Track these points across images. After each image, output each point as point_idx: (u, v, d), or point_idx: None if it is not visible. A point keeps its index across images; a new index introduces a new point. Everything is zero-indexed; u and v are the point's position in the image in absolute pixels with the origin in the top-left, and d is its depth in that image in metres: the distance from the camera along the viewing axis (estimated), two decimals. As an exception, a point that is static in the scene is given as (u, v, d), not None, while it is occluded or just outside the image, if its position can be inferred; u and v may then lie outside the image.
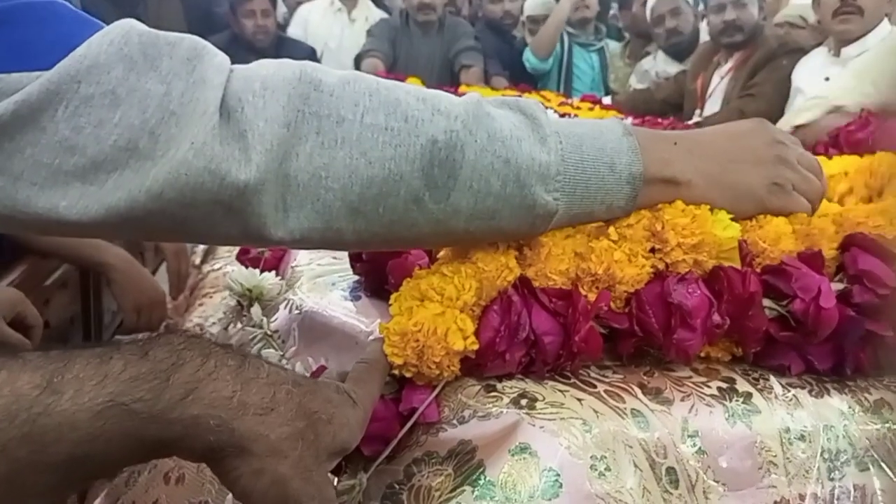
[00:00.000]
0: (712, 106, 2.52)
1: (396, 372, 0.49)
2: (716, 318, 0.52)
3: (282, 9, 3.81)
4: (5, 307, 1.04)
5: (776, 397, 0.53)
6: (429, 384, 0.49)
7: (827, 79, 2.03)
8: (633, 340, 0.53)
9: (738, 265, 0.55)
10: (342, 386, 0.45)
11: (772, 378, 0.55)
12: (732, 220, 0.57)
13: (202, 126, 0.41)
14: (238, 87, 0.44)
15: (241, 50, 3.18)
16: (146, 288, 1.36)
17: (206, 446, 0.37)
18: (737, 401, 0.53)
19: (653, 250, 0.55)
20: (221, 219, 0.43)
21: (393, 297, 0.52)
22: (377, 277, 0.64)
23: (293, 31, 3.41)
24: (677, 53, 2.95)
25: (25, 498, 0.33)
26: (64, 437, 0.32)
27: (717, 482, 0.50)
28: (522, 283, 0.52)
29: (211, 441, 0.37)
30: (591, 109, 2.15)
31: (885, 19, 2.03)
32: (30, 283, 1.26)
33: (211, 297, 1.22)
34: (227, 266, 1.21)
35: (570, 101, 2.48)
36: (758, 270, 0.56)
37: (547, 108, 1.91)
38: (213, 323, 0.81)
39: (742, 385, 0.54)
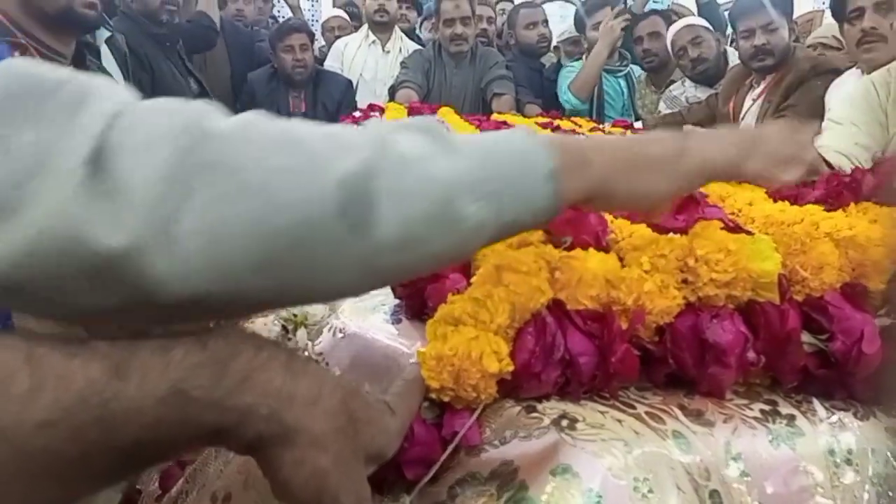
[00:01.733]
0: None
1: (435, 396, 0.50)
2: (751, 355, 0.52)
3: (319, 42, 3.92)
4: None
5: (820, 420, 0.53)
6: (468, 407, 0.50)
7: None
8: (666, 370, 0.54)
9: (775, 297, 0.55)
10: (381, 397, 0.47)
11: (815, 401, 0.54)
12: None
13: (66, 182, 0.35)
14: (118, 138, 0.37)
15: (281, 83, 3.28)
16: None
17: (256, 435, 0.38)
18: (780, 423, 0.52)
19: (685, 281, 0.55)
20: (91, 290, 0.36)
21: (429, 322, 0.53)
22: (417, 301, 0.66)
23: (330, 64, 3.50)
24: (705, 80, 2.95)
25: (92, 479, 0.35)
26: (132, 420, 0.34)
27: (762, 505, 0.50)
28: (556, 305, 0.53)
29: (261, 429, 0.38)
30: (623, 135, 2.15)
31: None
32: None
33: (253, 322, 1.25)
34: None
35: (601, 126, 2.49)
36: (798, 299, 0.56)
37: (579, 132, 1.92)
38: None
39: (785, 407, 0.54)
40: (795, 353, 0.53)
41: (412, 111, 2.55)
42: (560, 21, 3.81)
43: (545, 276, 0.55)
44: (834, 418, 0.54)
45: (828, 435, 0.52)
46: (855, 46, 2.01)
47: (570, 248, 0.68)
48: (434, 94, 3.26)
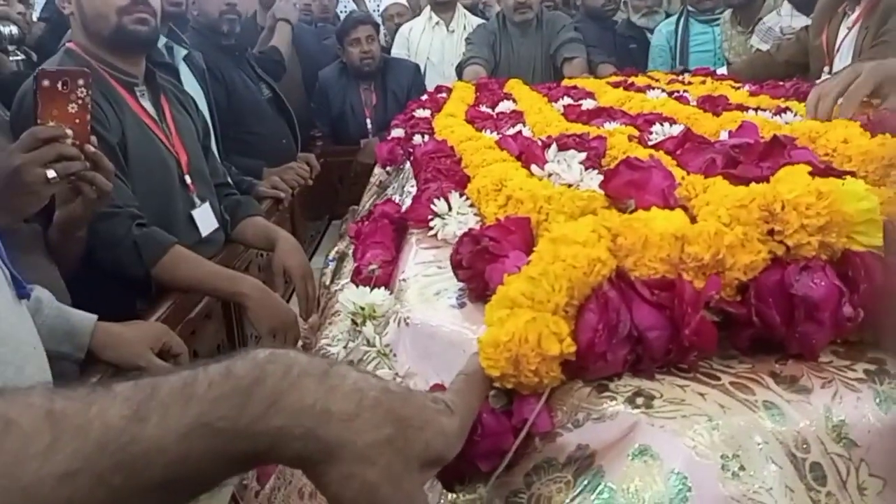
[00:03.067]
0: (843, 61, 2.29)
1: (499, 384, 0.48)
2: (847, 310, 0.46)
3: (382, 31, 3.93)
4: (151, 339, 1.14)
5: (937, 378, 0.46)
6: (535, 393, 0.47)
7: None
8: (750, 332, 0.49)
9: (875, 241, 0.49)
10: (439, 396, 0.45)
11: (929, 357, 0.48)
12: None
13: None
14: None
15: (351, 77, 3.31)
16: (279, 312, 1.43)
17: (295, 455, 0.38)
18: (889, 384, 0.46)
19: (770, 232, 0.50)
20: None
21: (487, 306, 0.51)
22: (480, 283, 0.63)
23: (396, 52, 3.50)
24: (803, 5, 2.71)
25: None
26: (154, 461, 0.34)
27: (873, 476, 0.45)
28: (619, 277, 0.49)
29: (299, 449, 0.37)
30: (703, 83, 2.02)
31: None
32: (176, 317, 1.37)
33: (339, 315, 1.27)
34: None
35: (680, 77, 2.36)
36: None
37: (655, 87, 1.82)
38: (338, 342, 0.83)
39: (894, 366, 0.48)
40: (898, 312, 0.47)
41: (480, 87, 2.51)
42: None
43: (606, 245, 0.52)
44: (955, 375, 0.47)
45: (947, 395, 0.46)
46: None
47: (634, 212, 0.64)
48: (502, 66, 3.19)
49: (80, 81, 1.07)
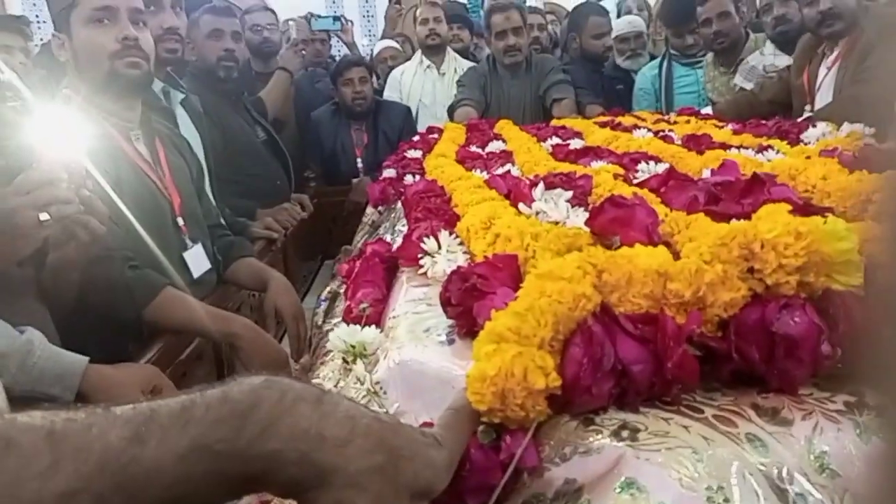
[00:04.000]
0: (823, 99, 2.35)
1: (486, 419, 0.48)
2: (825, 348, 0.47)
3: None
4: (142, 382, 1.13)
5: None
6: (522, 427, 0.48)
7: None
8: (732, 367, 0.50)
9: (854, 281, 0.50)
10: (428, 430, 0.45)
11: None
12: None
13: None
14: None
15: (343, 118, 3.37)
16: (271, 352, 1.43)
17: (290, 479, 0.38)
18: (868, 415, 0.47)
19: (751, 270, 0.51)
20: None
21: (475, 342, 0.52)
22: (469, 320, 0.64)
23: (389, 94, 3.56)
24: (786, 44, 2.78)
25: None
26: (153, 482, 0.35)
27: (857, 507, 0.45)
28: (603, 312, 0.50)
29: (293, 473, 0.38)
30: (687, 122, 2.07)
31: None
32: (167, 359, 1.37)
33: (331, 355, 1.27)
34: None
35: (666, 117, 2.41)
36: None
37: (641, 126, 1.86)
38: (328, 381, 0.83)
39: (873, 398, 0.49)
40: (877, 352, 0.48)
41: (470, 128, 2.55)
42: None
43: (591, 281, 0.53)
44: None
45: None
46: None
47: (619, 249, 0.65)
48: (493, 107, 3.25)
49: None
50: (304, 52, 3.51)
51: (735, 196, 0.86)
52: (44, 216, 1.03)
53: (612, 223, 0.67)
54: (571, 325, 0.51)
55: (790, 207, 0.56)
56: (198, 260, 1.62)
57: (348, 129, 3.39)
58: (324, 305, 1.59)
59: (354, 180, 3.29)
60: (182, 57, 2.39)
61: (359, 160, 3.36)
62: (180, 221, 1.59)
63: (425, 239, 0.89)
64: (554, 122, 2.42)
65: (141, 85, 1.53)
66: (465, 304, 0.64)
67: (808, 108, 2.43)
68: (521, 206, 0.89)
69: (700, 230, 0.67)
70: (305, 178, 3.27)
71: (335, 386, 0.80)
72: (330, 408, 0.40)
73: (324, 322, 1.56)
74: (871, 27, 2.23)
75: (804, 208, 0.74)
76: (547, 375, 0.47)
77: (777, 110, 2.64)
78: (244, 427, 0.37)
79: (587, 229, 0.70)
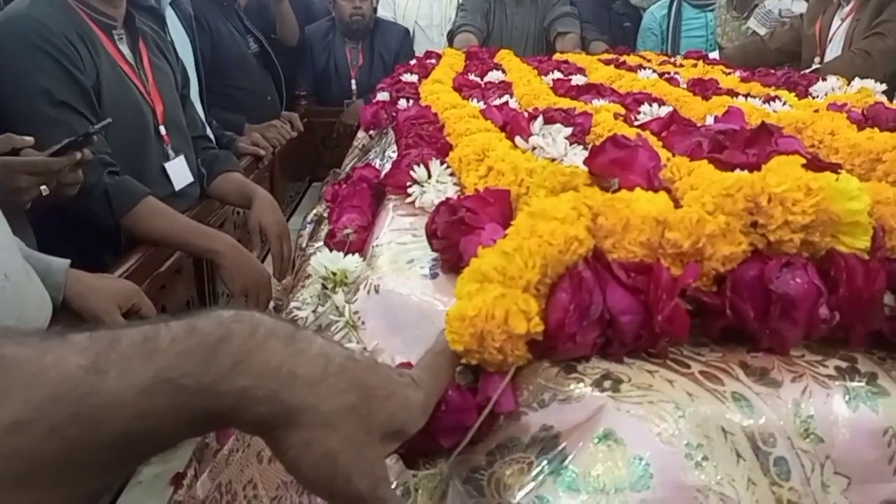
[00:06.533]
0: (834, 51, 2.29)
1: (464, 360, 0.47)
2: (823, 311, 0.45)
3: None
4: (121, 298, 1.11)
5: (907, 378, 0.46)
6: (500, 370, 0.46)
7: None
8: (723, 323, 0.48)
9: (861, 244, 0.48)
10: (405, 371, 0.43)
11: (899, 362, 0.47)
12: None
13: None
14: None
15: (338, 35, 3.24)
16: (252, 271, 1.41)
17: (257, 418, 0.36)
18: (859, 381, 0.46)
19: (754, 224, 0.48)
20: None
21: (458, 279, 0.49)
22: (454, 254, 0.62)
23: (381, 13, 3.40)
24: None
25: (83, 475, 0.33)
26: (113, 415, 0.32)
27: (838, 474, 0.44)
28: (596, 257, 0.48)
29: (262, 411, 0.36)
30: (694, 66, 2.00)
31: None
32: (145, 271, 1.34)
33: (311, 278, 1.25)
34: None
35: (672, 59, 2.33)
36: (885, 253, 0.48)
37: (647, 67, 1.80)
38: (307, 306, 0.81)
39: (865, 364, 0.47)
40: (875, 316, 0.46)
41: (470, 56, 2.46)
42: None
43: (585, 224, 0.50)
44: (925, 376, 0.47)
45: (917, 395, 0.45)
46: None
47: (617, 192, 0.62)
48: (495, 36, 3.14)
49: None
50: None
51: (740, 145, 0.82)
52: (45, 190, 1.10)
53: (612, 164, 0.64)
54: (560, 268, 0.48)
55: (804, 161, 0.53)
56: (180, 171, 1.57)
57: (343, 47, 3.27)
58: (309, 228, 1.56)
59: (347, 102, 3.20)
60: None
61: (353, 81, 3.26)
62: (163, 130, 1.53)
63: (415, 167, 0.85)
64: (557, 56, 2.33)
65: (126, -19, 1.44)
66: (452, 238, 0.62)
67: (817, 59, 2.37)
68: (517, 139, 0.85)
69: (703, 178, 0.64)
70: (297, 97, 3.17)
71: (313, 311, 0.78)
72: (303, 345, 0.38)
73: (308, 244, 1.54)
74: (892, -21, 2.15)
75: (813, 163, 0.71)
76: (529, 320, 0.45)
77: (785, 59, 2.58)
78: (212, 361, 0.35)
79: (585, 168, 0.67)
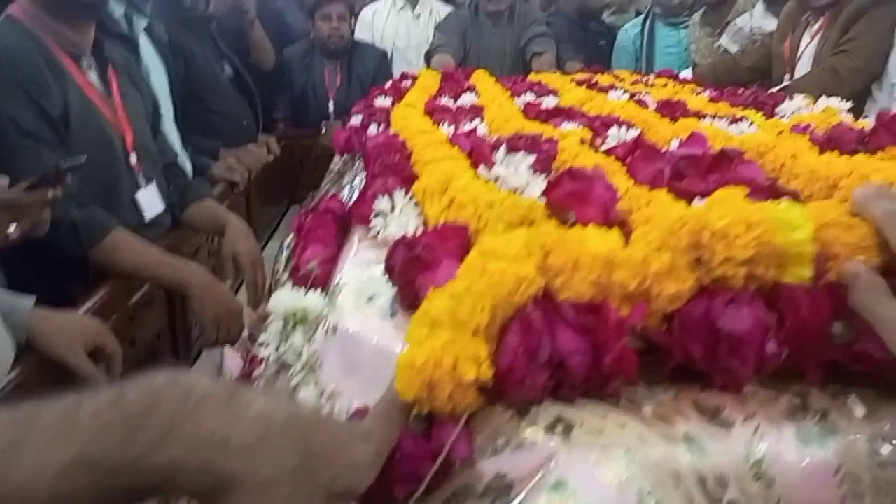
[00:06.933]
0: (803, 68, 2.32)
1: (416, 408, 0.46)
2: (771, 346, 0.45)
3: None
4: (86, 337, 1.08)
5: (858, 417, 0.46)
6: (453, 417, 0.45)
7: None
8: (673, 363, 0.47)
9: (805, 273, 0.48)
10: (356, 425, 0.43)
11: (852, 395, 0.47)
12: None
13: None
14: None
15: (317, 56, 3.24)
16: (224, 302, 1.39)
17: (193, 487, 0.35)
18: (811, 419, 0.46)
19: (699, 259, 0.48)
20: None
21: (411, 321, 0.49)
22: (412, 292, 0.61)
23: (359, 35, 3.41)
24: (776, 5, 2.71)
25: None
26: (25, 499, 0.31)
27: (791, 515, 0.44)
28: (545, 297, 0.47)
29: (196, 482, 0.35)
30: (664, 86, 2.02)
31: None
32: (114, 304, 1.32)
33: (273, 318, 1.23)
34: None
35: (644, 78, 2.36)
36: (831, 279, 0.48)
37: (618, 87, 1.81)
38: (269, 345, 0.80)
39: (817, 400, 0.47)
40: (825, 347, 0.46)
41: (445, 77, 2.47)
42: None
43: (535, 263, 0.50)
44: (877, 410, 0.46)
45: (867, 434, 0.45)
46: None
47: (574, 225, 0.62)
48: (472, 56, 3.15)
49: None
50: None
51: (701, 171, 0.83)
52: (12, 229, 1.09)
53: (569, 197, 0.64)
54: (510, 310, 0.48)
55: (745, 193, 0.53)
56: (151, 200, 1.55)
57: (321, 69, 3.27)
58: (286, 253, 1.54)
59: (324, 123, 3.19)
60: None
61: (331, 103, 3.26)
62: (133, 159, 1.52)
63: (379, 198, 0.85)
64: (531, 77, 2.35)
65: (93, 7, 1.43)
66: (409, 276, 0.61)
67: (787, 76, 2.41)
68: (481, 168, 0.85)
69: (659, 209, 0.64)
70: (273, 119, 3.16)
71: (276, 349, 0.77)
72: (241, 407, 0.37)
73: (284, 271, 1.52)
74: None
75: (768, 190, 0.71)
76: (479, 366, 0.44)
77: (757, 77, 2.61)
78: (137, 435, 0.33)
79: (543, 201, 0.67)
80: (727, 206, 0.49)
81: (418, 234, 0.70)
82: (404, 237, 0.65)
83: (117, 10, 1.95)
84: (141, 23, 2.04)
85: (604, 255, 0.49)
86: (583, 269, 0.49)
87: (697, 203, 0.69)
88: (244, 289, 1.60)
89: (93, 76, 1.48)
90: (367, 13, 3.49)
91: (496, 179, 0.82)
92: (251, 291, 1.56)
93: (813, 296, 0.47)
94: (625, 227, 0.63)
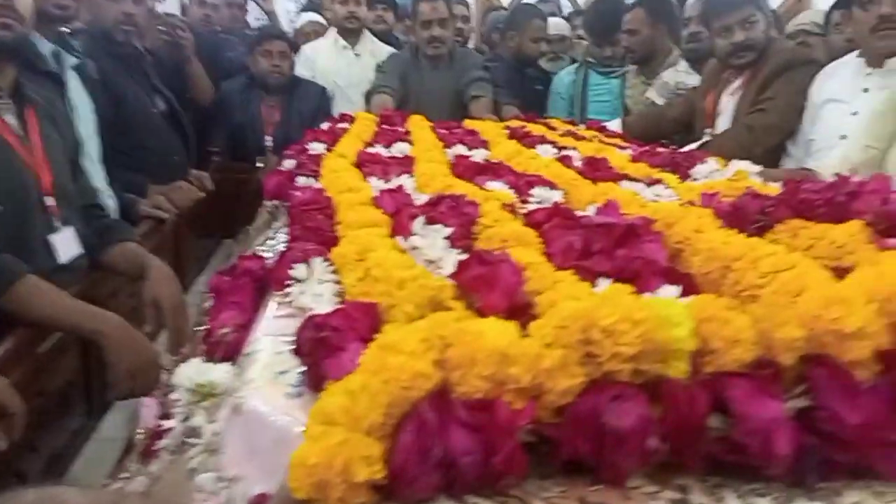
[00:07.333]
0: (723, 124, 2.44)
1: None
2: (652, 443, 0.47)
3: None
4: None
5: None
6: (345, 518, 0.46)
7: (866, 90, 1.97)
8: (563, 456, 0.49)
9: (685, 369, 0.50)
10: None
11: (727, 494, 0.49)
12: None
13: None
14: None
15: (256, 91, 3.22)
16: (140, 352, 1.35)
17: None
18: (690, 515, 0.48)
19: (589, 354, 0.50)
20: None
21: (308, 414, 0.49)
22: (317, 374, 0.61)
23: (299, 71, 3.40)
24: (698, 62, 2.85)
25: None
26: None
27: None
28: (440, 394, 0.48)
29: None
30: (591, 140, 2.08)
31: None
32: (19, 355, 1.26)
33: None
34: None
35: (575, 128, 2.44)
36: (708, 372, 0.51)
37: (548, 140, 1.87)
38: (176, 415, 0.78)
39: (697, 495, 0.49)
40: (701, 440, 0.48)
41: (384, 120, 2.50)
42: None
43: (434, 357, 0.51)
44: (751, 505, 0.49)
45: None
46: (868, 32, 1.94)
47: (479, 310, 0.64)
48: (412, 98, 3.19)
49: None
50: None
51: (611, 245, 0.87)
52: None
53: (476, 281, 0.66)
54: (406, 406, 0.48)
55: (632, 291, 0.56)
56: (66, 243, 1.50)
57: (260, 103, 3.25)
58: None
59: (261, 158, 3.16)
60: (74, 14, 2.21)
61: (269, 138, 3.23)
62: (48, 201, 1.47)
63: (295, 265, 0.85)
64: (467, 123, 2.40)
65: (10, 49, 1.39)
66: (315, 357, 0.61)
67: (708, 130, 2.53)
68: (399, 238, 0.86)
69: (562, 294, 0.66)
70: (209, 153, 3.11)
71: (184, 420, 0.76)
72: None
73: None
74: (773, 59, 2.33)
75: (665, 273, 0.75)
76: (371, 466, 0.45)
77: (681, 129, 2.74)
78: None
79: (452, 282, 0.68)
80: (615, 303, 0.52)
81: (332, 308, 0.71)
82: (313, 317, 0.65)
83: (45, 47, 1.90)
84: (70, 61, 2.00)
85: (500, 350, 0.51)
86: (479, 364, 0.50)
87: (602, 283, 0.72)
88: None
89: (10, 118, 1.43)
90: (307, 50, 3.49)
91: (413, 250, 0.84)
92: (172, 338, 1.52)
93: (691, 391, 0.49)
94: (529, 311, 0.65)
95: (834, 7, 2.24)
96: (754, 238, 0.84)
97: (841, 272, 0.75)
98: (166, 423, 0.75)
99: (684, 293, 0.70)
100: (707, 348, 0.52)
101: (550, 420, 0.50)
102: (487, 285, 0.65)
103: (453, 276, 0.69)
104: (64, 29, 2.11)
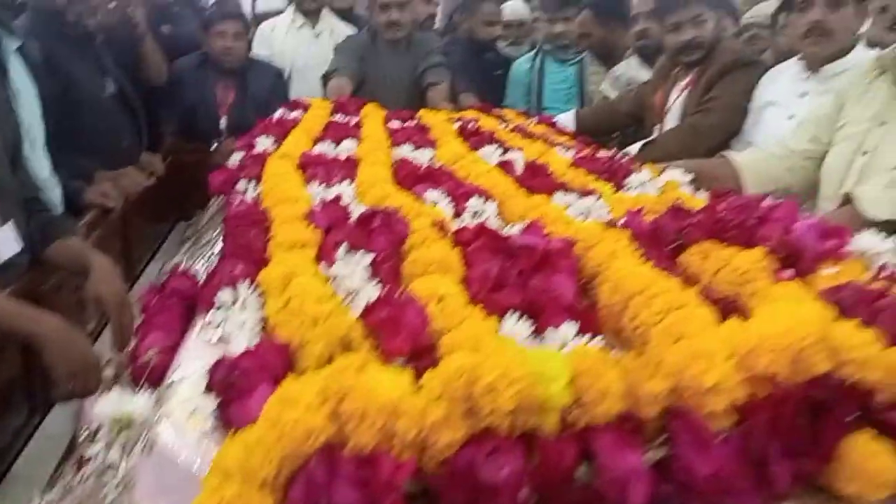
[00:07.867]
0: (672, 121, 2.50)
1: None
2: (521, 495, 0.52)
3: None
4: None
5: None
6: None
7: (803, 94, 2.03)
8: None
9: (554, 423, 0.55)
10: None
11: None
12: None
13: None
14: None
15: (212, 70, 3.16)
16: (80, 355, 1.35)
17: None
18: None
19: (471, 409, 0.55)
20: None
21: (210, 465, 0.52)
22: (226, 414, 0.65)
23: (257, 50, 3.35)
24: (649, 58, 2.90)
25: None
26: None
27: None
28: (328, 450, 0.52)
29: None
30: (536, 140, 2.11)
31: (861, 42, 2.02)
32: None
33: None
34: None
35: (527, 122, 2.47)
36: (580, 424, 0.56)
37: (495, 141, 1.90)
38: (98, 441, 0.80)
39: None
40: (569, 491, 0.53)
41: (337, 109, 2.50)
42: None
43: (328, 410, 0.54)
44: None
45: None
46: (799, 38, 1.99)
47: (384, 353, 0.68)
48: (369, 82, 3.17)
49: None
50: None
51: (527, 270, 0.91)
52: None
53: (383, 323, 0.69)
54: (299, 460, 0.52)
55: (516, 345, 0.60)
56: (5, 240, 1.49)
57: (214, 84, 3.20)
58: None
59: (215, 140, 3.12)
60: (16, -5, 2.15)
61: (222, 119, 3.19)
62: (-14, 198, 1.46)
63: (222, 288, 0.87)
64: (422, 115, 2.41)
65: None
66: (226, 397, 0.65)
67: (657, 126, 2.59)
68: (322, 265, 0.89)
69: (468, 333, 0.70)
70: (161, 134, 3.07)
71: (106, 446, 0.78)
72: None
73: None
74: (719, 59, 2.38)
75: (570, 309, 0.79)
76: (260, 522, 0.48)
77: (632, 123, 2.79)
78: None
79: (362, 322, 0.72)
80: (496, 360, 0.56)
81: (252, 339, 0.74)
82: (223, 359, 0.68)
83: (-14, 32, 1.85)
84: (11, 44, 1.95)
85: (390, 404, 0.55)
86: (369, 417, 0.54)
87: (508, 320, 0.77)
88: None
89: (-56, 111, 1.41)
90: (265, 28, 3.43)
91: (334, 279, 0.87)
92: (116, 335, 1.53)
93: (561, 444, 0.54)
94: (431, 354, 0.68)
95: (779, 10, 2.29)
96: (656, 270, 0.88)
97: (730, 308, 0.81)
98: (90, 448, 0.78)
99: (582, 330, 0.75)
100: (581, 401, 0.57)
101: (435, 471, 0.54)
102: (392, 328, 0.68)
103: (362, 316, 0.72)
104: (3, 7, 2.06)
